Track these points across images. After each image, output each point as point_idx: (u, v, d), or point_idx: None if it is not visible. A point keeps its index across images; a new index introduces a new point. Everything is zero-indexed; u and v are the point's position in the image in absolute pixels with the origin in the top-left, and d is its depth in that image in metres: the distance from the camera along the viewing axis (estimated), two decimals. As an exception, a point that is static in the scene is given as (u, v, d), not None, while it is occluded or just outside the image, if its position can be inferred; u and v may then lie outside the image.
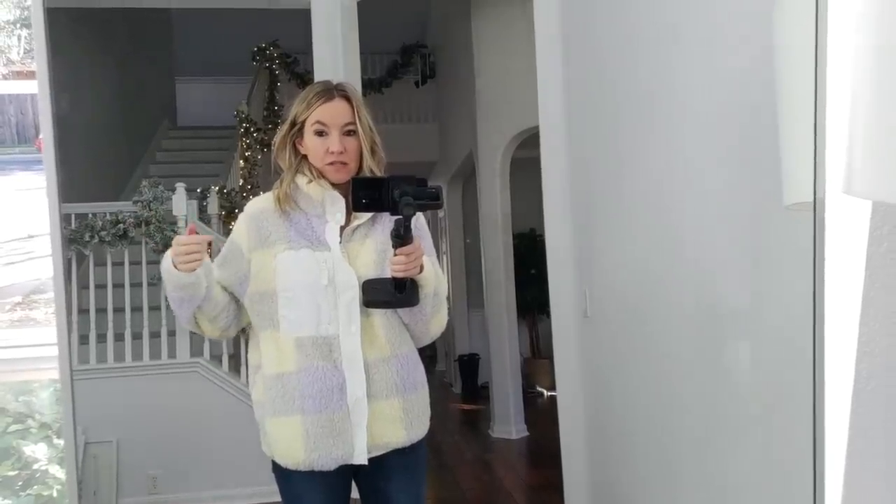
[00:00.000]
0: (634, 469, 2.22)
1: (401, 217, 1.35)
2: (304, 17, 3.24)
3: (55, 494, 1.85)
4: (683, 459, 1.86)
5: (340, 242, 1.49)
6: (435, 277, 1.49)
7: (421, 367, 1.58)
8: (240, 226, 1.54)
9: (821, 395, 0.75)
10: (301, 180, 1.52)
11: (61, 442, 1.92)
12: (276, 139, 1.53)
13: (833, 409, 0.86)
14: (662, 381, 1.96)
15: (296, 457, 1.47)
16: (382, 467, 1.52)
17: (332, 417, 1.45)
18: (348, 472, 1.53)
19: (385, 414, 1.48)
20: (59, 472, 1.89)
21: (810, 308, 1.19)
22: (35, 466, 1.88)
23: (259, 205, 1.54)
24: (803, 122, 0.70)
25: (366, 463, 1.48)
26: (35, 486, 1.85)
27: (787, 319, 1.34)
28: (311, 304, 1.45)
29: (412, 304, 1.45)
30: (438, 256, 2.70)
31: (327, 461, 1.46)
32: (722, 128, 1.56)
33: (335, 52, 3.25)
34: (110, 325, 3.82)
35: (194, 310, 1.47)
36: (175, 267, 1.39)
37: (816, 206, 0.67)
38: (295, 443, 1.46)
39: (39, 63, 1.98)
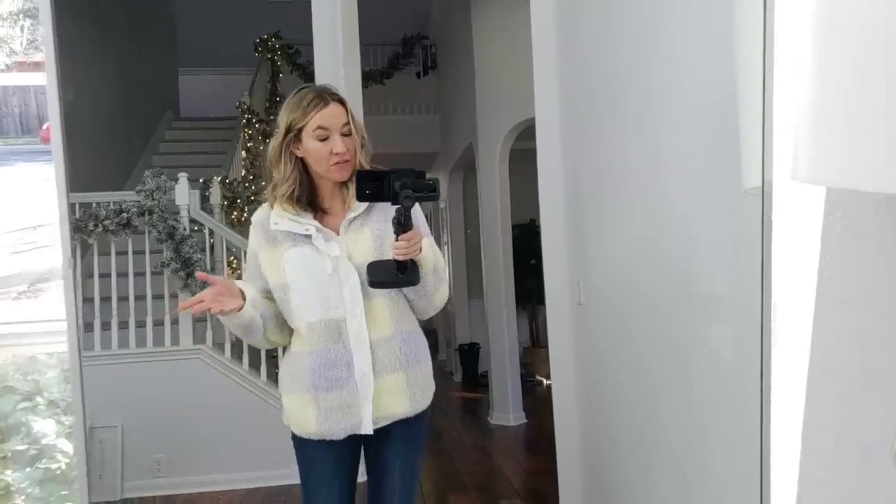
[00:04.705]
0: (620, 453, 2.28)
1: (401, 207, 1.47)
2: (306, 7, 3.28)
3: (63, 467, 1.94)
4: (660, 444, 1.92)
5: (339, 234, 1.63)
6: (433, 256, 1.61)
7: (424, 343, 1.71)
8: (251, 234, 1.70)
9: (768, 383, 0.80)
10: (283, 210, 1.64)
11: (68, 419, 2.01)
12: (272, 149, 1.64)
13: (787, 396, 0.91)
14: (646, 365, 2.01)
15: (309, 427, 1.63)
16: (387, 435, 1.66)
17: (341, 393, 1.60)
18: (357, 440, 1.67)
19: (390, 387, 1.62)
20: (66, 445, 1.99)
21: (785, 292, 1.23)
22: (43, 441, 1.97)
23: (262, 213, 1.69)
24: (759, 111, 0.75)
25: (371, 433, 1.62)
26: (44, 460, 1.94)
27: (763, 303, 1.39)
28: (318, 293, 1.59)
29: (414, 283, 1.58)
30: (440, 247, 2.84)
31: (337, 431, 1.61)
32: (696, 119, 1.61)
33: (335, 42, 3.29)
34: (114, 312, 3.88)
35: (262, 334, 1.64)
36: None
37: (765, 192, 0.72)
38: (308, 416, 1.62)
39: (48, 52, 2.04)
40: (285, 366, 1.70)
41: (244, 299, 1.56)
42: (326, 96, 1.60)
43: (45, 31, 2.22)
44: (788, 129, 0.67)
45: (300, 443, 1.68)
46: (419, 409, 1.67)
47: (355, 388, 1.60)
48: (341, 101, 1.62)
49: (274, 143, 1.63)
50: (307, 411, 1.62)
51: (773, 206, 0.74)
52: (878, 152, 0.60)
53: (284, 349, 1.75)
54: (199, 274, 1.58)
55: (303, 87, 1.65)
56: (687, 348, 1.74)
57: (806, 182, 0.67)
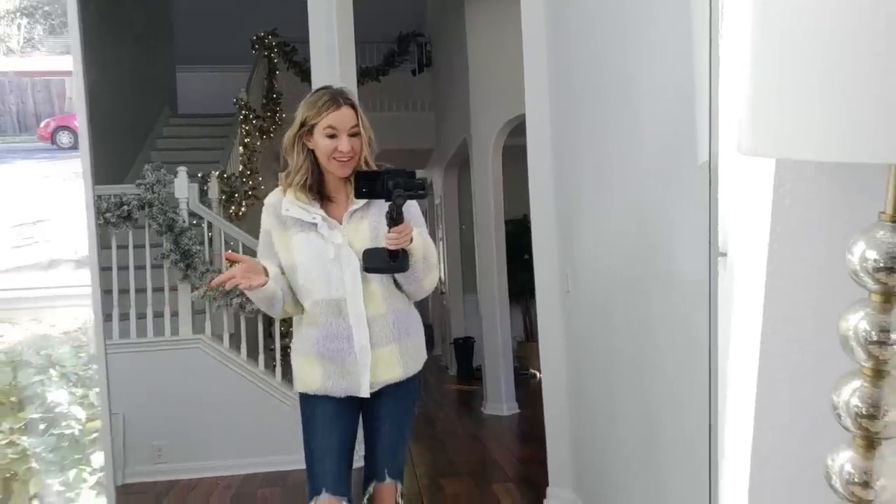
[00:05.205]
0: (604, 441, 2.37)
1: (393, 203, 1.67)
2: (302, 5, 3.35)
3: (76, 433, 2.07)
4: (638, 428, 2.01)
5: (342, 224, 1.82)
6: (423, 246, 1.81)
7: (417, 319, 1.94)
8: (263, 216, 1.90)
9: (715, 362, 0.89)
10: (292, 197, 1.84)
11: (79, 390, 2.15)
12: (286, 138, 1.85)
13: (746, 370, 1.00)
14: (628, 351, 2.10)
15: (313, 384, 1.87)
16: (380, 396, 1.89)
17: (343, 362, 1.83)
18: (356, 402, 1.89)
19: (385, 357, 1.85)
20: (79, 412, 2.13)
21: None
22: (57, 410, 2.11)
23: (275, 197, 1.89)
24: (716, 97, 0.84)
25: (368, 396, 1.85)
26: (58, 427, 2.08)
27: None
28: (322, 275, 1.81)
29: (404, 270, 1.79)
30: (435, 242, 3.03)
31: (337, 390, 1.85)
32: (673, 112, 1.69)
33: (331, 40, 3.37)
34: (115, 304, 3.96)
35: (281, 306, 1.85)
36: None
37: (711, 163, 0.81)
38: (313, 375, 1.87)
39: (74, 46, 2.13)
40: (296, 335, 1.93)
41: (267, 276, 1.74)
42: (340, 100, 1.81)
43: (71, 21, 2.29)
44: (734, 108, 0.76)
45: (305, 399, 1.91)
46: (411, 373, 1.91)
47: (355, 359, 1.82)
48: (353, 106, 1.82)
49: (289, 133, 1.83)
50: (313, 372, 1.86)
51: (724, 181, 0.83)
52: (810, 123, 0.69)
53: (290, 328, 1.92)
54: (227, 254, 1.76)
55: (321, 88, 1.86)
56: (665, 331, 1.83)
57: (749, 154, 0.76)
